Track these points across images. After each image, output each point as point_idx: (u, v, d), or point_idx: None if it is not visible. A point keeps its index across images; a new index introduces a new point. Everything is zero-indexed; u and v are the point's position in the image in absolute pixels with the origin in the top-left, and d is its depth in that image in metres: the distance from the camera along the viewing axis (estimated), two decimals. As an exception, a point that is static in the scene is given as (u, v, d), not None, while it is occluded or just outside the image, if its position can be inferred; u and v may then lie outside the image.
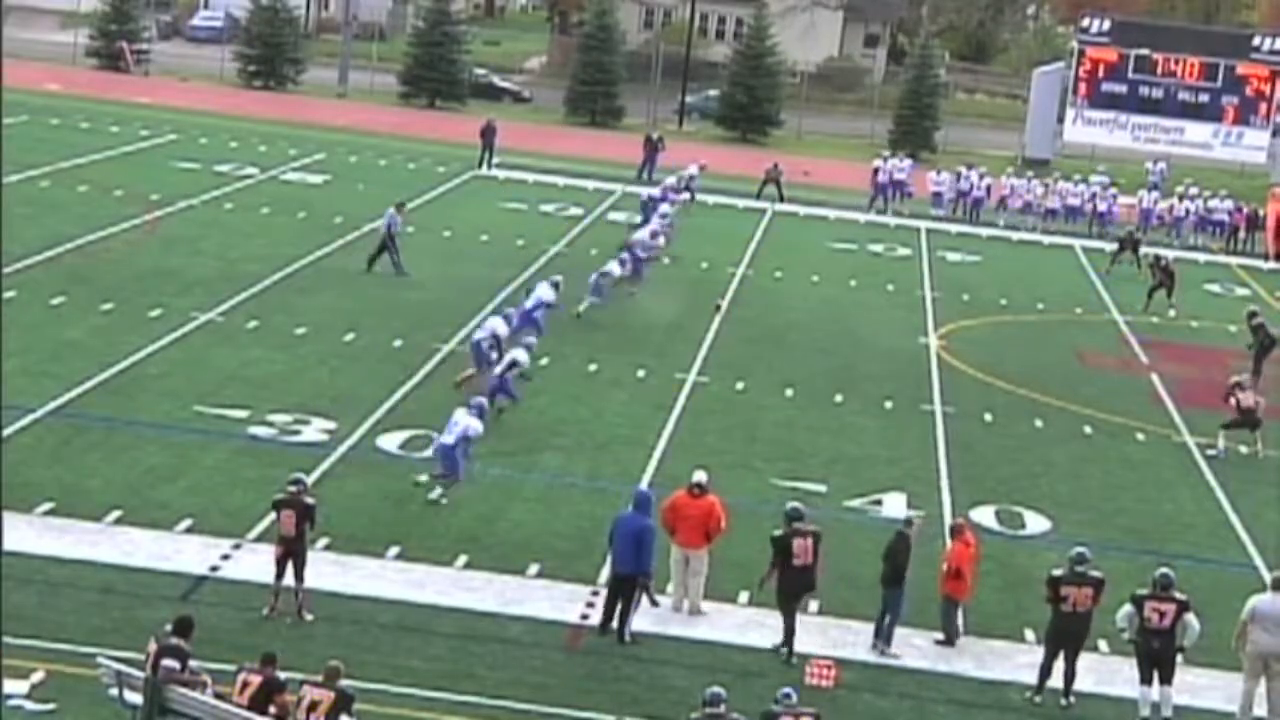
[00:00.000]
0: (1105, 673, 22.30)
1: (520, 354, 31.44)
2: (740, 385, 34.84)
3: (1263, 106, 69.59)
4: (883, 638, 22.51)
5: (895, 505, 27.68)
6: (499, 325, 33.16)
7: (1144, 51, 69.62)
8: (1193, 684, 21.80)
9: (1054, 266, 53.05)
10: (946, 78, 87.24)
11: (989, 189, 60.16)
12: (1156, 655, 21.12)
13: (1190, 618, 21.15)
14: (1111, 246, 53.90)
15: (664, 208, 48.25)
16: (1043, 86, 72.72)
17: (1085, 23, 70.76)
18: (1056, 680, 21.63)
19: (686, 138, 73.26)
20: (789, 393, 34.64)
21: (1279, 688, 21.34)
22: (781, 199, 58.50)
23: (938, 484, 29.80)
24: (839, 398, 34.71)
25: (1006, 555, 25.93)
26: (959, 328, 42.30)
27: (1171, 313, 46.15)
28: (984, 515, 27.93)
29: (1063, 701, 21.54)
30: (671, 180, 53.28)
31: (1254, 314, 41.04)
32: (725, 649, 22.20)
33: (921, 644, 22.87)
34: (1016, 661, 22.41)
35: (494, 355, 32.14)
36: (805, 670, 21.20)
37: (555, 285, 36.13)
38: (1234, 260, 57.18)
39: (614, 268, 40.30)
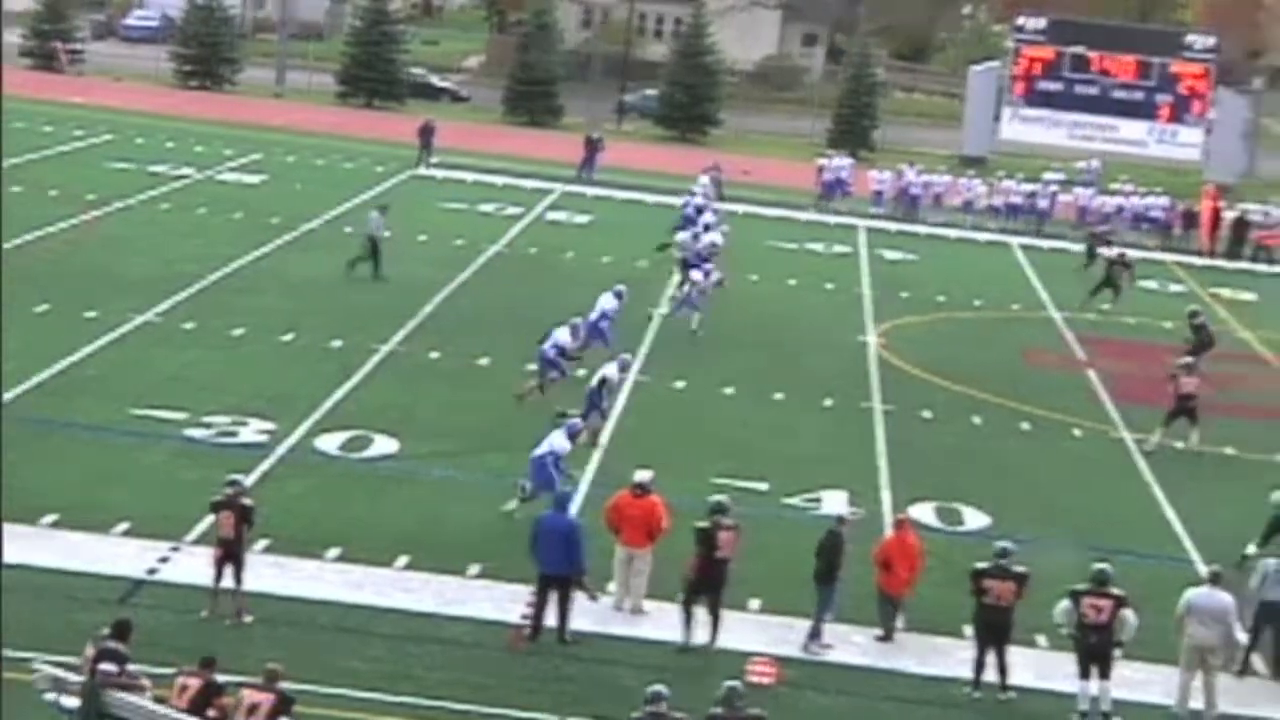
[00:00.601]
0: (1044, 668, 22.41)
1: (611, 370, 30.93)
2: (681, 384, 34.86)
3: (1196, 104, 70.13)
4: (810, 632, 22.58)
5: (835, 503, 27.73)
6: (564, 335, 32.85)
7: (1079, 50, 70.03)
8: (1131, 678, 21.92)
9: (991, 264, 53.30)
10: (884, 77, 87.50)
11: (926, 186, 60.46)
12: (1094, 650, 21.25)
13: (1127, 613, 21.28)
14: (1051, 243, 54.18)
15: (708, 217, 48.13)
16: (979, 85, 73.10)
17: (1021, 21, 71.15)
18: (996, 675, 21.77)
19: (625, 137, 73.28)
20: (729, 391, 34.67)
21: (1215, 681, 21.54)
22: (721, 198, 58.54)
23: (878, 481, 29.89)
24: (779, 396, 34.77)
25: (947, 552, 25.99)
26: (898, 325, 42.44)
27: (1105, 306, 46.38)
28: (924, 512, 28.01)
29: (1000, 695, 21.64)
30: (700, 189, 53.06)
31: (1196, 313, 41.34)
32: (667, 647, 22.21)
33: (862, 641, 22.95)
34: (958, 657, 22.48)
35: (561, 364, 32.29)
36: (746, 668, 21.21)
37: (619, 295, 35.95)
38: (1169, 257, 57.53)
39: (698, 276, 40.03)
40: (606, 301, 35.57)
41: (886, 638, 23.00)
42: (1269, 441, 34.60)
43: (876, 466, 30.80)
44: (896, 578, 22.92)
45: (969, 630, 22.66)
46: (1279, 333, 46.04)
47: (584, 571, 22.27)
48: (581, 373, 32.45)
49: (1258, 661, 23.21)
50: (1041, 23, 70.60)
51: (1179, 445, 33.39)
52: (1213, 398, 35.12)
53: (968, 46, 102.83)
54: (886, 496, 28.95)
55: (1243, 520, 29.13)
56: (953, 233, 57.85)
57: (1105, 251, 50.40)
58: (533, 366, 32.59)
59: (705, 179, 54.68)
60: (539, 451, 26.10)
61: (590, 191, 58.01)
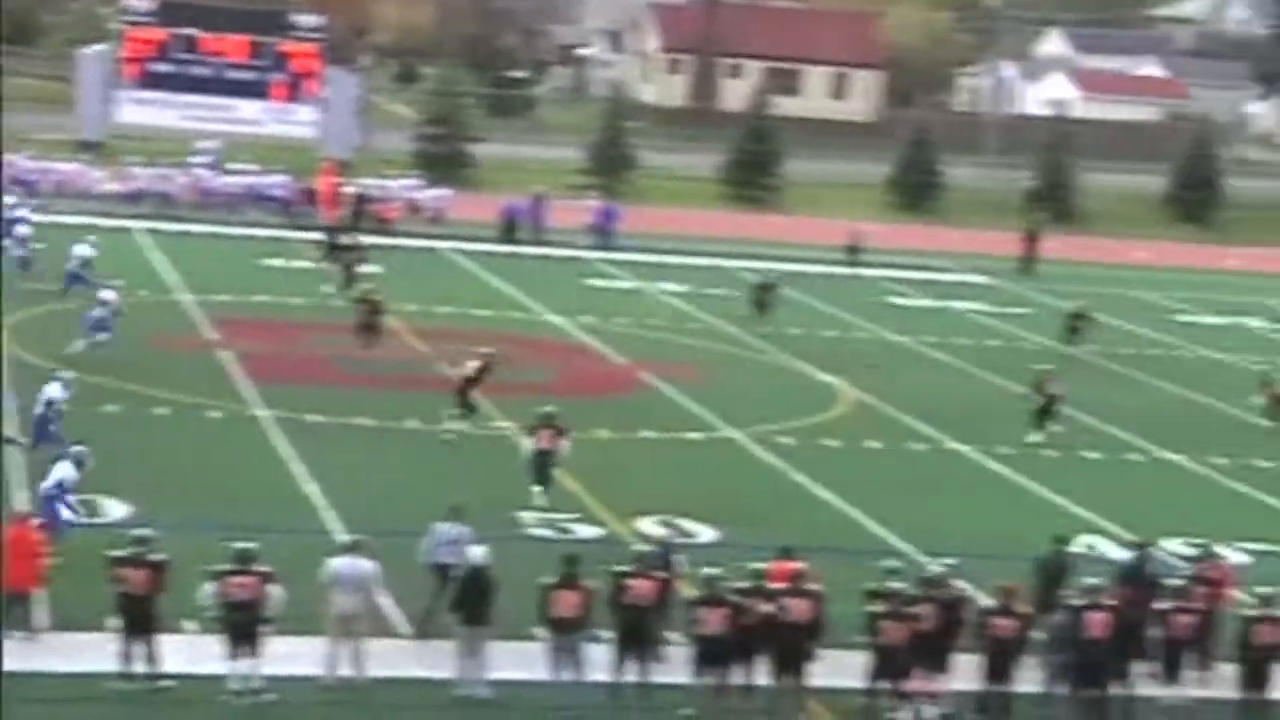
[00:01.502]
0: (195, 652, 22.24)
1: (56, 390, 30.32)
2: None
3: (309, 83, 71.48)
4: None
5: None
6: (55, 390, 30.88)
7: (190, 31, 70.04)
8: (283, 652, 22.08)
9: (116, 250, 52.46)
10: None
11: (45, 173, 59.33)
12: (241, 629, 21.33)
13: (272, 588, 21.47)
14: (178, 227, 54.02)
15: (22, 229, 46.88)
16: (89, 68, 71.90)
17: (128, 3, 70.44)
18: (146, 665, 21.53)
19: None
20: None
21: (362, 646, 22.08)
22: None
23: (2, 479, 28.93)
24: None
25: (85, 545, 25.40)
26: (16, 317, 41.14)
27: (329, 288, 47.10)
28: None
29: (152, 685, 21.38)
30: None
31: (366, 294, 42.88)
32: None
33: (10, 645, 22.15)
34: (105, 651, 22.02)
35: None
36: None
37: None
38: (292, 234, 58.43)
39: (111, 296, 38.72)
40: (96, 317, 35.91)
41: (26, 638, 22.28)
42: (398, 409, 35.74)
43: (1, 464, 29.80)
44: (12, 573, 22.27)
45: (114, 622, 22.31)
46: (407, 303, 47.45)
47: None
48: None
49: (402, 622, 23.92)
50: (150, 4, 70.11)
51: (319, 418, 34.00)
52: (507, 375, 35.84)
53: (75, 29, 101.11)
54: (18, 495, 28.00)
55: (381, 487, 30.15)
56: (72, 219, 56.65)
57: (344, 239, 51.20)
58: None
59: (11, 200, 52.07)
60: (46, 485, 25.15)
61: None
